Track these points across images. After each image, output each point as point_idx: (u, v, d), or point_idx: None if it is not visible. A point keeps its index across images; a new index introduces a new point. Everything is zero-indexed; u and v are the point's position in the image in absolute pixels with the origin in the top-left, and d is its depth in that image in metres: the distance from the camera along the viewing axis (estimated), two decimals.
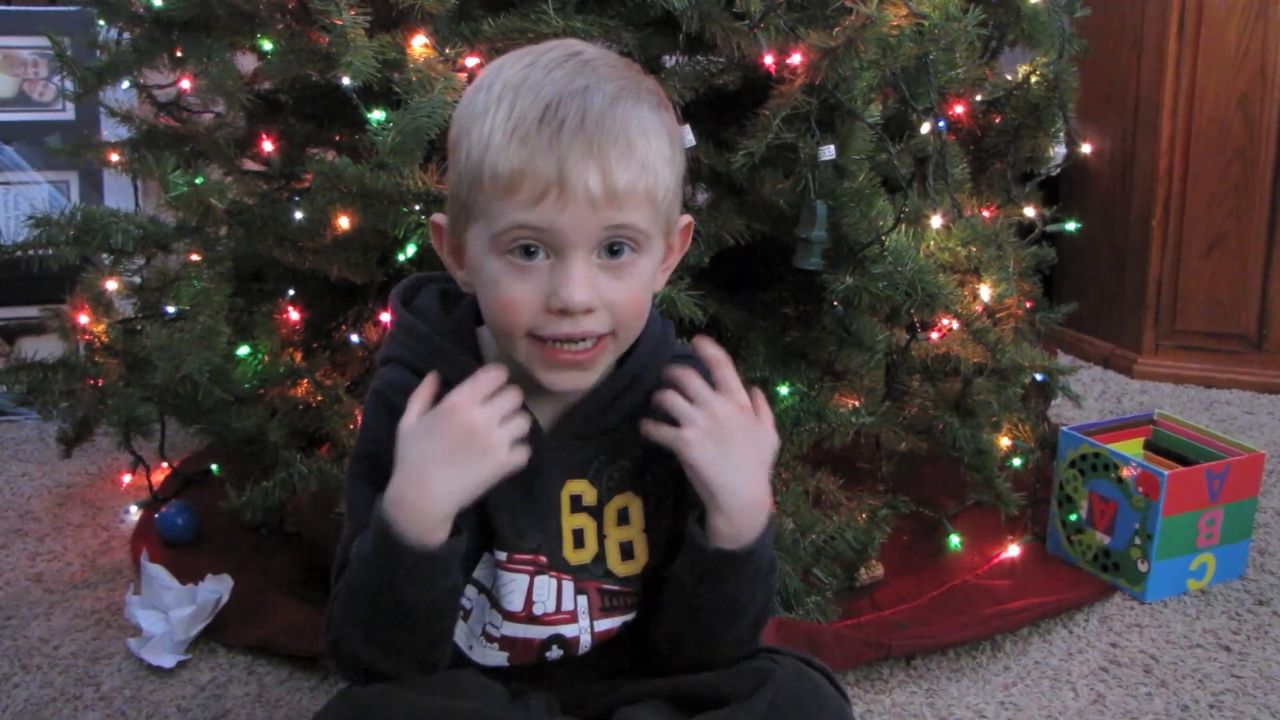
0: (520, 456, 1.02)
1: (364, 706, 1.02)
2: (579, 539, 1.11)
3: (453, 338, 1.09)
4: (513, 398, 1.03)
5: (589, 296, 0.99)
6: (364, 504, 1.05)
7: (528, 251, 0.99)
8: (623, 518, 1.12)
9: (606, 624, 1.13)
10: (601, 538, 1.12)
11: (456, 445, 1.00)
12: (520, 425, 1.02)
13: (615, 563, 1.12)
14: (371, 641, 1.04)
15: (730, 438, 1.04)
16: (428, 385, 1.03)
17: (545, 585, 1.10)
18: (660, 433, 1.04)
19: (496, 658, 1.12)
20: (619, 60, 1.06)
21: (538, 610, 1.10)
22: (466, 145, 1.01)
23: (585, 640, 1.12)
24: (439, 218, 1.09)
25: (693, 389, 1.04)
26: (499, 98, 1.00)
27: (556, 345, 1.01)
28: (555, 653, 1.12)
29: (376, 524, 1.00)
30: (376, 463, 1.06)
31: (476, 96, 1.02)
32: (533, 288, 1.00)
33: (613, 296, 1.01)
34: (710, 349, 1.06)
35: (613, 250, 1.01)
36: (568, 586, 1.11)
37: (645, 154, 1.00)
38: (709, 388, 1.04)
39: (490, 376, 1.02)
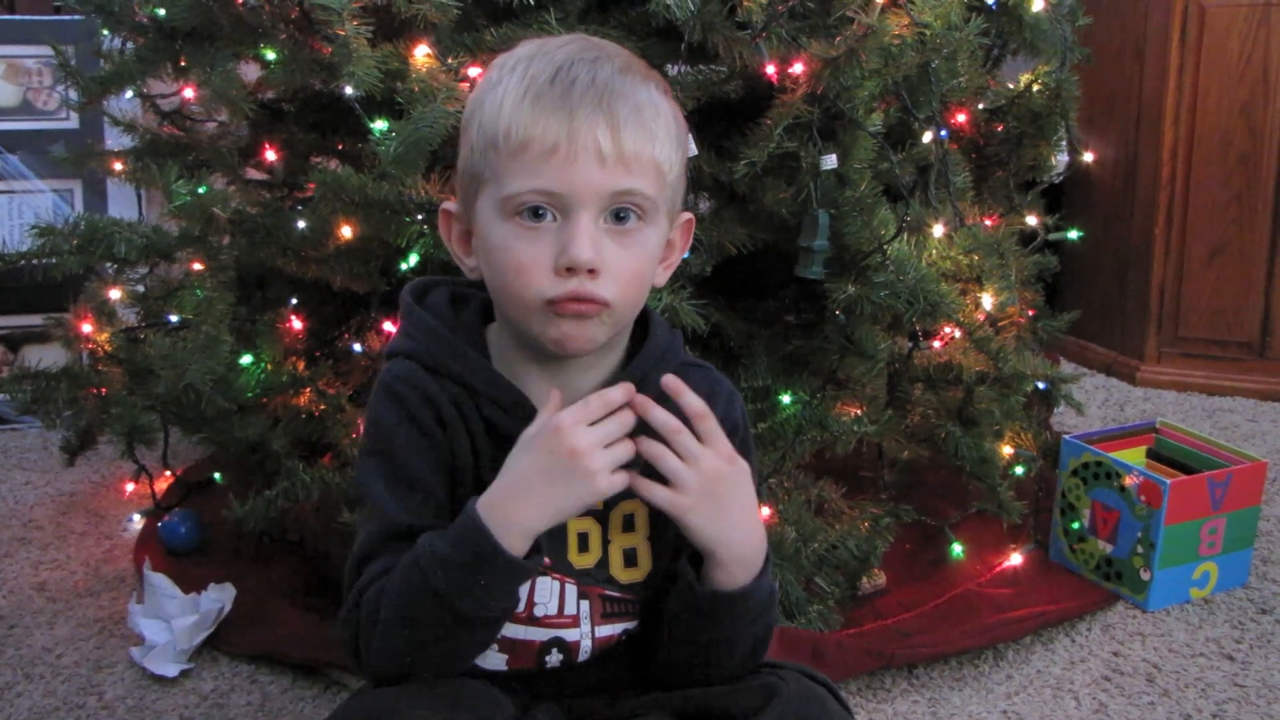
0: (619, 482, 1.02)
1: (369, 718, 1.02)
2: (583, 543, 1.11)
3: (462, 335, 1.10)
4: (620, 421, 1.02)
5: (594, 254, 1.00)
6: (387, 501, 1.06)
7: (536, 213, 1.01)
8: (628, 524, 1.12)
9: (607, 630, 1.13)
10: (606, 543, 1.12)
11: (556, 466, 1.00)
12: (624, 451, 1.02)
13: (618, 569, 1.12)
14: (415, 642, 1.02)
15: (723, 494, 1.04)
16: (555, 398, 1.04)
17: (547, 587, 1.10)
18: (654, 495, 1.03)
19: (495, 660, 1.12)
20: (629, 52, 1.09)
21: (539, 612, 1.10)
22: (479, 117, 1.04)
23: (586, 646, 1.12)
24: (449, 205, 1.11)
25: (683, 447, 1.03)
26: (512, 69, 1.03)
27: (565, 301, 1.01)
28: (555, 658, 1.12)
29: (469, 528, 1.00)
30: (392, 458, 1.07)
31: (490, 74, 1.06)
32: (541, 249, 1.01)
33: (616, 264, 1.02)
34: (689, 400, 1.04)
35: (619, 216, 1.02)
36: (570, 590, 1.11)
37: (653, 124, 1.02)
38: (698, 442, 1.03)
39: (601, 401, 1.02)
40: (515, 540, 1.00)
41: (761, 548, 1.08)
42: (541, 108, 0.99)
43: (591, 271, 1.00)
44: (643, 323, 1.13)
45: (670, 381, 1.04)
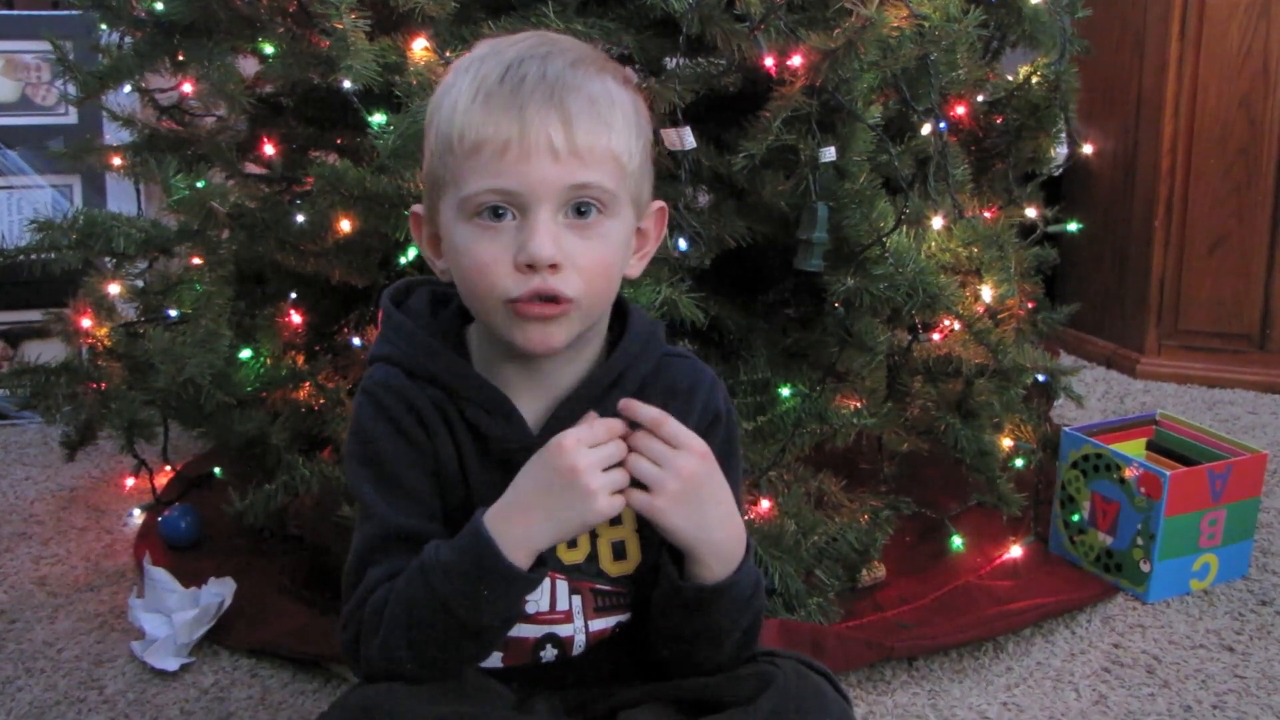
0: (619, 504, 1.02)
1: (366, 712, 1.01)
2: (571, 538, 1.11)
3: (441, 337, 1.10)
4: (620, 446, 1.02)
5: (554, 250, 1.00)
6: (380, 505, 1.06)
7: (495, 213, 1.01)
8: (614, 517, 1.12)
9: (600, 624, 1.13)
10: (594, 537, 1.12)
11: (557, 484, 1.01)
12: (622, 476, 1.02)
13: (607, 563, 1.12)
14: (416, 648, 1.03)
15: (700, 492, 1.04)
16: (589, 419, 1.04)
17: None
18: (635, 500, 1.03)
19: (491, 658, 1.12)
20: (587, 45, 1.09)
21: (531, 609, 1.10)
22: (437, 120, 1.04)
23: (580, 640, 1.12)
24: (417, 208, 1.11)
25: (654, 453, 1.03)
26: (465, 69, 1.03)
27: (527, 302, 1.01)
28: (549, 653, 1.12)
29: (475, 539, 1.01)
30: (379, 465, 1.07)
31: (447, 77, 1.06)
32: (501, 248, 1.01)
33: (579, 256, 1.01)
34: (644, 411, 1.04)
35: (580, 211, 1.02)
36: (561, 586, 1.11)
37: (608, 115, 1.02)
38: (667, 446, 1.03)
39: (606, 425, 1.02)
40: (518, 554, 1.01)
41: (741, 538, 1.08)
42: (492, 107, 0.99)
43: (553, 266, 1.00)
44: (622, 315, 1.12)
45: (624, 406, 1.04)
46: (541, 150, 0.99)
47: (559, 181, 1.00)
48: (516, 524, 1.01)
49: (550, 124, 0.99)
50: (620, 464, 1.03)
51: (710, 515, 1.05)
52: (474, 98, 1.00)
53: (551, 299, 1.01)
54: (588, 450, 1.01)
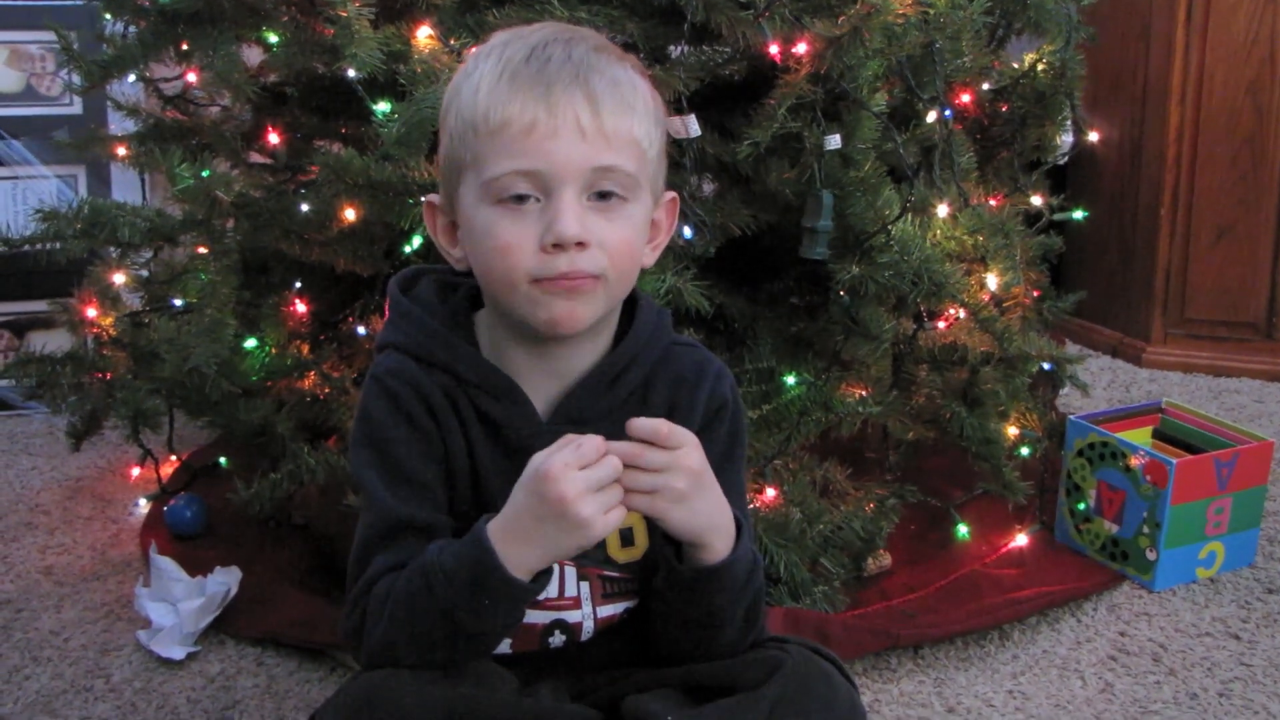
0: (614, 521, 1.00)
1: (370, 697, 1.02)
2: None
3: (450, 325, 1.10)
4: (613, 465, 0.99)
5: (581, 229, 1.00)
6: (384, 495, 1.06)
7: (519, 198, 1.01)
8: None
9: (609, 610, 1.13)
10: None
11: (546, 513, 0.99)
12: (615, 494, 1.00)
13: (615, 549, 1.12)
14: (417, 645, 1.03)
15: (697, 483, 1.02)
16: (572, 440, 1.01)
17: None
18: (640, 507, 1.01)
19: (499, 644, 1.12)
20: (602, 35, 1.10)
21: (539, 595, 1.10)
22: (456, 105, 1.04)
23: (588, 626, 1.13)
24: (432, 197, 1.11)
25: (656, 461, 1.00)
26: (487, 55, 1.04)
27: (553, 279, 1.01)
28: (558, 639, 1.12)
29: (477, 549, 1.00)
30: (385, 452, 1.07)
31: (466, 64, 1.07)
32: (526, 229, 1.01)
33: (604, 235, 1.02)
34: (644, 426, 1.00)
35: (602, 195, 1.02)
36: (570, 573, 1.11)
37: (631, 99, 1.03)
38: (665, 452, 1.00)
39: (594, 445, 0.99)
40: (519, 571, 1.00)
41: (729, 513, 1.07)
42: (519, 86, 1.00)
43: (580, 245, 1.00)
44: (630, 303, 1.13)
45: (630, 427, 1.01)
46: (569, 129, 0.99)
47: (585, 162, 1.00)
48: (510, 548, 1.00)
49: (577, 103, 0.99)
50: (614, 485, 1.00)
51: (711, 501, 1.04)
52: (499, 77, 1.01)
53: (579, 277, 1.01)
54: (576, 476, 0.98)
